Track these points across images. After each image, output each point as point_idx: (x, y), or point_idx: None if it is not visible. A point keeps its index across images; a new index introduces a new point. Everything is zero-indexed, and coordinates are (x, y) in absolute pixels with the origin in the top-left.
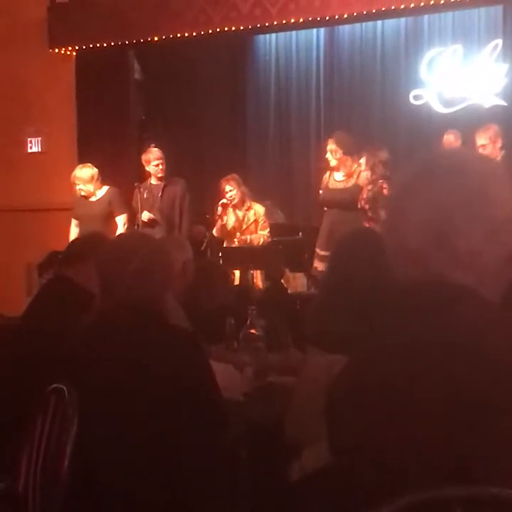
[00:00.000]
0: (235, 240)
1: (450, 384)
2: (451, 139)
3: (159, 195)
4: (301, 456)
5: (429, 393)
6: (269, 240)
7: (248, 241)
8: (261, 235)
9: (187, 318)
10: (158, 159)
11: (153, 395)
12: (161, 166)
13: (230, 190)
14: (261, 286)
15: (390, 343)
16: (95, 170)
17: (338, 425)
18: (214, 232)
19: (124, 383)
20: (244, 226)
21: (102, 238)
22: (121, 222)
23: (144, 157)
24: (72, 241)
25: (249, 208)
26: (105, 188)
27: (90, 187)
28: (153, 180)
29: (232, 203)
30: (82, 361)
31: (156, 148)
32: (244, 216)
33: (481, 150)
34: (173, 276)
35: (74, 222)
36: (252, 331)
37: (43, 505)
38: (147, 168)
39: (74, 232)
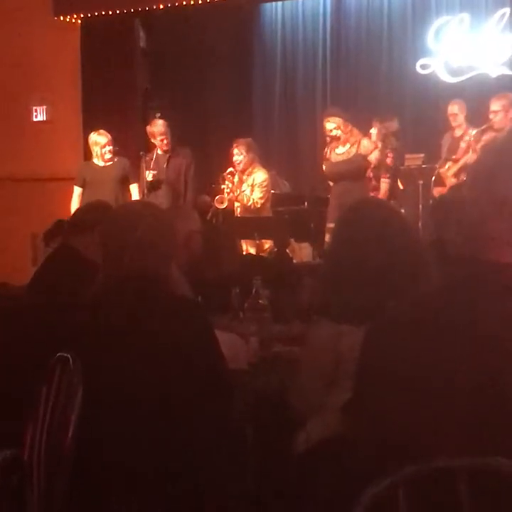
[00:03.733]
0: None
1: (484, 372)
2: (455, 109)
3: (165, 165)
4: (306, 427)
5: (463, 375)
6: (259, 206)
7: (237, 199)
8: (249, 197)
9: (192, 288)
10: (162, 134)
11: (159, 365)
12: (165, 141)
13: (237, 154)
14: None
15: (428, 319)
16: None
17: (368, 392)
18: (217, 203)
19: (129, 354)
20: (241, 190)
21: (107, 207)
22: (135, 190)
23: (148, 129)
24: (76, 210)
25: (250, 173)
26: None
27: (110, 148)
28: (159, 151)
29: (238, 168)
30: (88, 331)
31: (160, 122)
32: (244, 180)
33: (491, 116)
34: (177, 245)
35: (77, 190)
36: (258, 301)
37: (48, 474)
38: (153, 141)
39: (77, 201)
